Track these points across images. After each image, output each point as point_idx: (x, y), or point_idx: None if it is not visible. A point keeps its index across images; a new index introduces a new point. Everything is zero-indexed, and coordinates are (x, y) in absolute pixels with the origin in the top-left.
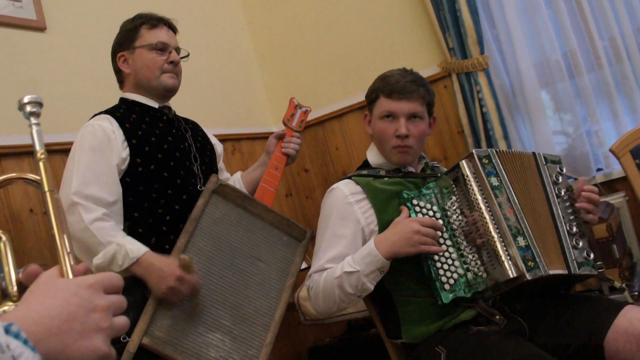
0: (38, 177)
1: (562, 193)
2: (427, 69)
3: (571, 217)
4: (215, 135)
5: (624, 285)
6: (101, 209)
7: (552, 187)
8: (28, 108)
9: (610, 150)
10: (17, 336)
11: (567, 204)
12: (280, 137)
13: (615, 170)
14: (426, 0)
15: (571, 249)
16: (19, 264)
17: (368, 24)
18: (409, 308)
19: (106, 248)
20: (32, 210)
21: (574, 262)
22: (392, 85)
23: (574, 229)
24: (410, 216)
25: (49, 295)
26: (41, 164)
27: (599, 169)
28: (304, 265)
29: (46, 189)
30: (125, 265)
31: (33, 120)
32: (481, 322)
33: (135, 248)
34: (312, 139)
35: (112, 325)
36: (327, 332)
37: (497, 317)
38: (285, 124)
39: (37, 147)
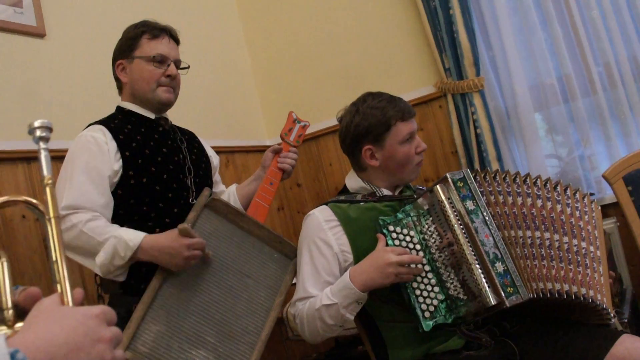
0: (41, 205)
1: None
2: (422, 89)
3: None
4: None
5: (614, 312)
6: (91, 212)
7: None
8: (38, 132)
9: (603, 177)
10: None
11: None
12: (277, 152)
13: (607, 195)
14: (424, 20)
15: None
16: (10, 270)
17: (365, 41)
18: (393, 333)
19: (105, 244)
20: (24, 217)
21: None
22: (402, 108)
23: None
24: (387, 244)
25: (56, 322)
26: (48, 190)
27: (591, 194)
28: (294, 281)
29: (52, 215)
30: (128, 256)
31: (42, 145)
32: (473, 347)
33: (133, 236)
34: (306, 154)
35: (114, 358)
36: (314, 348)
37: (484, 339)
38: (282, 139)
39: (45, 172)
